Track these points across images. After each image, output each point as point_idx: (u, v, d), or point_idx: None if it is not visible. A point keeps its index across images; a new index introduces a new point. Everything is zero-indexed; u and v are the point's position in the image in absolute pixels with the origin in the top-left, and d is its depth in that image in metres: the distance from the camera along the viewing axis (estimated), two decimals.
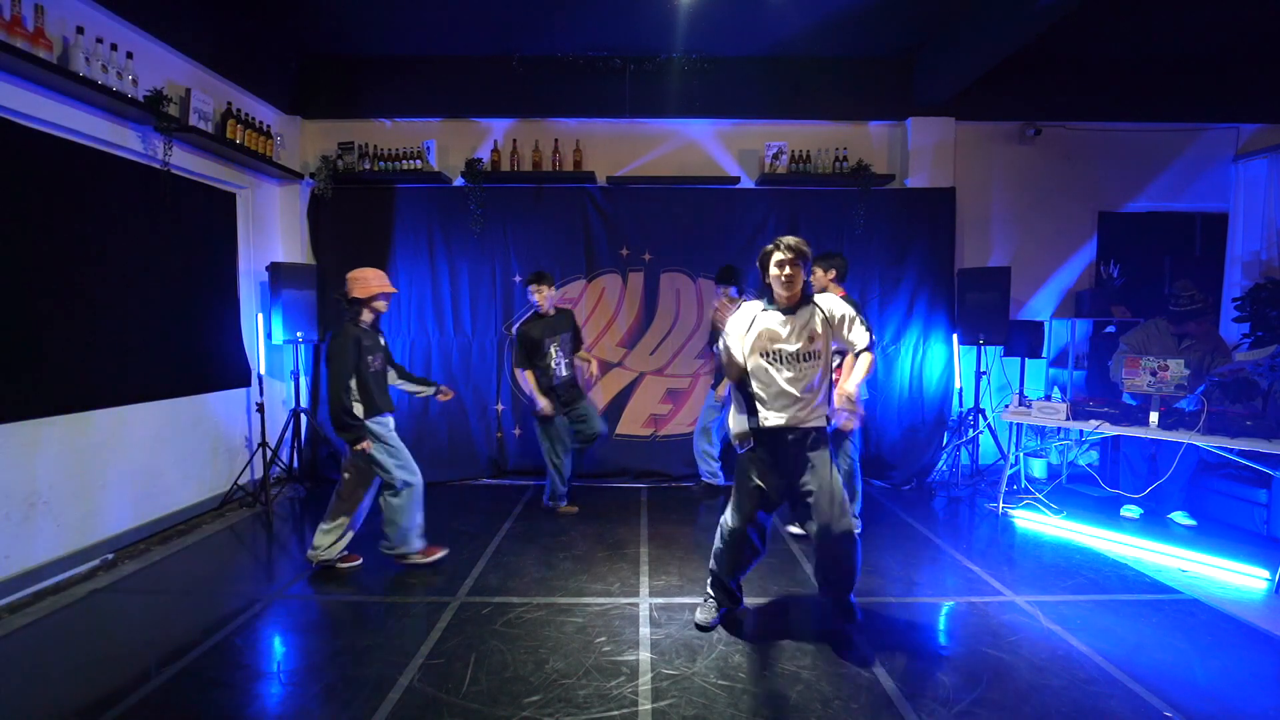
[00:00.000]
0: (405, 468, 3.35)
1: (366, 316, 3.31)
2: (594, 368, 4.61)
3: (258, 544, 3.97)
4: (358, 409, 3.23)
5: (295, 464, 5.15)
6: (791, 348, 2.54)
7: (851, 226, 5.20)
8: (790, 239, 2.55)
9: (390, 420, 3.41)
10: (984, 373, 5.10)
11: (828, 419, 2.63)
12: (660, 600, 3.07)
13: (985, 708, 2.24)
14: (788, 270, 2.51)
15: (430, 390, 3.71)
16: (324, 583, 3.31)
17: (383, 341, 3.46)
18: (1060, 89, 5.29)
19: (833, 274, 3.78)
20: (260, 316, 4.87)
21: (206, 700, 2.29)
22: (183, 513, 4.19)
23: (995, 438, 5.08)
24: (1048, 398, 4.41)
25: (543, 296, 4.17)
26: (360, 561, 3.50)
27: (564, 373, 4.28)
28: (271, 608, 3.02)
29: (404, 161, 5.17)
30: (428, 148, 5.19)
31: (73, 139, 3.41)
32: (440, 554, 3.49)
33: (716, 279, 4.56)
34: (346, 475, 3.42)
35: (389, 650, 2.60)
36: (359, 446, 3.20)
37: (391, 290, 3.38)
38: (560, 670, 2.47)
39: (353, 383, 3.22)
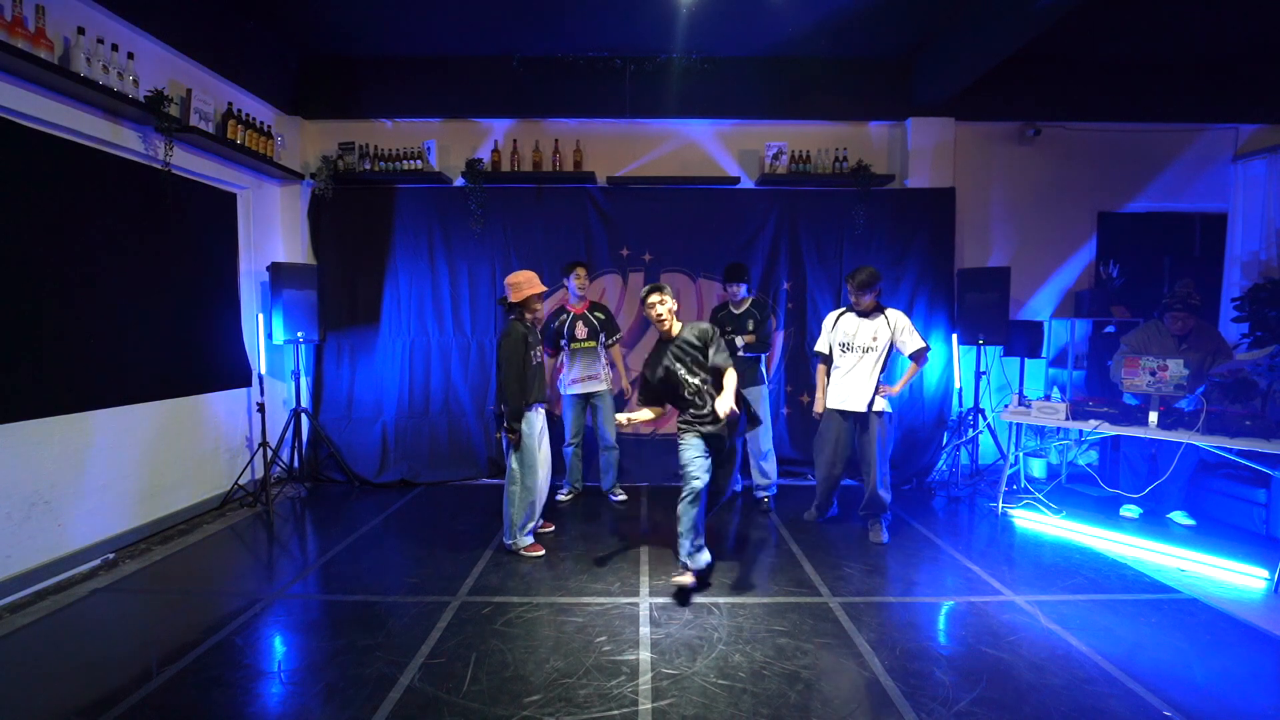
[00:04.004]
0: (528, 469, 3.57)
1: (527, 315, 3.59)
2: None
3: (258, 544, 3.97)
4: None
5: (296, 464, 5.16)
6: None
7: (851, 227, 5.20)
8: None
9: (540, 413, 3.67)
10: (984, 373, 5.10)
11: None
12: (660, 600, 3.08)
13: (985, 707, 2.25)
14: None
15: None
16: (324, 582, 3.32)
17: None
18: (1060, 89, 5.29)
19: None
20: (261, 316, 4.87)
21: (206, 700, 2.29)
22: (183, 512, 4.19)
23: (995, 438, 5.08)
24: (1047, 398, 4.41)
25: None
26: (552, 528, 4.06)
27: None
28: (272, 607, 3.02)
29: (404, 162, 5.17)
30: (428, 148, 5.19)
31: (74, 139, 3.41)
32: (539, 552, 3.65)
33: (724, 277, 4.41)
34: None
35: (389, 650, 2.61)
36: (511, 435, 3.50)
37: (542, 289, 3.62)
38: (560, 670, 2.47)
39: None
